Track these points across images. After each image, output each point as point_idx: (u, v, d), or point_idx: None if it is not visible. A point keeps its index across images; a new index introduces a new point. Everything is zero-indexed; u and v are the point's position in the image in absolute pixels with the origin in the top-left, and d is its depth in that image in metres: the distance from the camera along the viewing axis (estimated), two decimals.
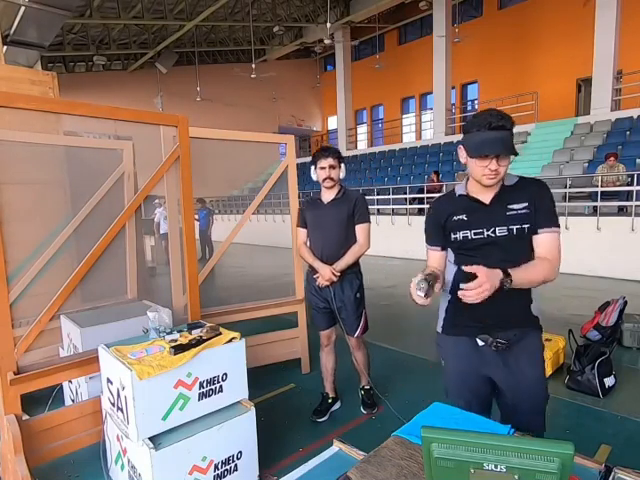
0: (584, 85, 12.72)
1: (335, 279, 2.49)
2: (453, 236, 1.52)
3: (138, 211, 2.54)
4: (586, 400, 2.92)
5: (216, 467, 1.86)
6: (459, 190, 1.55)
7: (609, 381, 3.00)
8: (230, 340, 1.96)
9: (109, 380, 1.86)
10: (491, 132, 1.36)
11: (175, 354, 1.77)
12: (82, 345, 2.20)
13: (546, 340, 3.41)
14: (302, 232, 2.68)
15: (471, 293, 1.23)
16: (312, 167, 2.59)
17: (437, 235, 1.58)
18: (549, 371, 3.23)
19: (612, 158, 7.39)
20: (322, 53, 19.89)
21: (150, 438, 1.70)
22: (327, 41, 13.81)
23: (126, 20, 12.73)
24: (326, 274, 2.48)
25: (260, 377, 3.05)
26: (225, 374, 1.93)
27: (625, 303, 3.99)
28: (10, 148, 2.26)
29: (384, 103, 19.59)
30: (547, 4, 13.52)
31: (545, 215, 1.45)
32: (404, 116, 18.72)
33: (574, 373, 3.06)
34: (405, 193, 10.24)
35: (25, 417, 1.97)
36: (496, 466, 0.86)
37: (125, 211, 2.29)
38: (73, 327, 2.29)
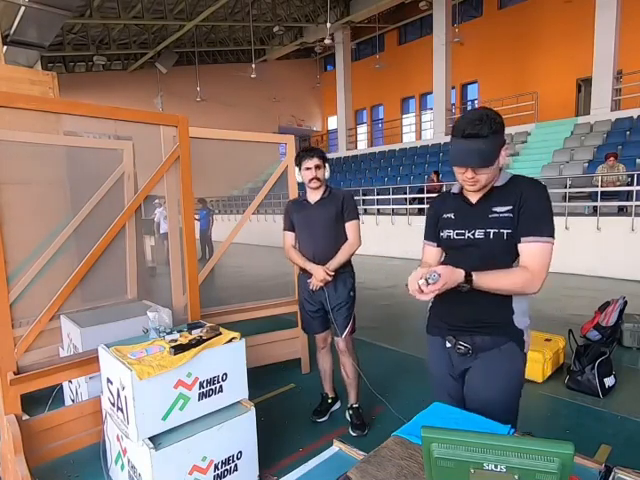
0: (584, 85, 12.73)
1: (329, 279, 2.44)
2: (441, 234, 1.53)
3: (138, 211, 2.53)
4: (586, 400, 2.92)
5: (216, 467, 1.86)
6: (454, 189, 1.55)
7: (609, 381, 3.00)
8: (230, 340, 1.96)
9: (109, 380, 1.86)
10: (464, 141, 1.29)
11: (175, 354, 1.77)
12: (82, 345, 2.20)
13: (546, 340, 3.41)
14: (289, 235, 2.61)
15: (426, 289, 1.22)
16: (296, 169, 2.55)
17: (433, 231, 1.59)
18: (549, 371, 3.23)
19: (612, 158, 7.39)
20: (322, 53, 19.90)
21: (150, 438, 1.70)
22: (327, 41, 13.81)
23: (126, 20, 12.74)
24: (320, 275, 2.42)
25: (260, 377, 3.05)
26: (225, 374, 1.93)
27: (625, 303, 3.99)
28: (10, 148, 2.25)
29: (384, 103, 19.59)
30: (547, 4, 13.52)
31: (529, 222, 1.32)
32: (404, 116, 18.73)
33: (574, 373, 3.07)
34: (405, 193, 10.24)
35: (25, 417, 1.96)
36: (496, 466, 0.86)
37: (125, 211, 2.29)
38: (73, 327, 2.29)
